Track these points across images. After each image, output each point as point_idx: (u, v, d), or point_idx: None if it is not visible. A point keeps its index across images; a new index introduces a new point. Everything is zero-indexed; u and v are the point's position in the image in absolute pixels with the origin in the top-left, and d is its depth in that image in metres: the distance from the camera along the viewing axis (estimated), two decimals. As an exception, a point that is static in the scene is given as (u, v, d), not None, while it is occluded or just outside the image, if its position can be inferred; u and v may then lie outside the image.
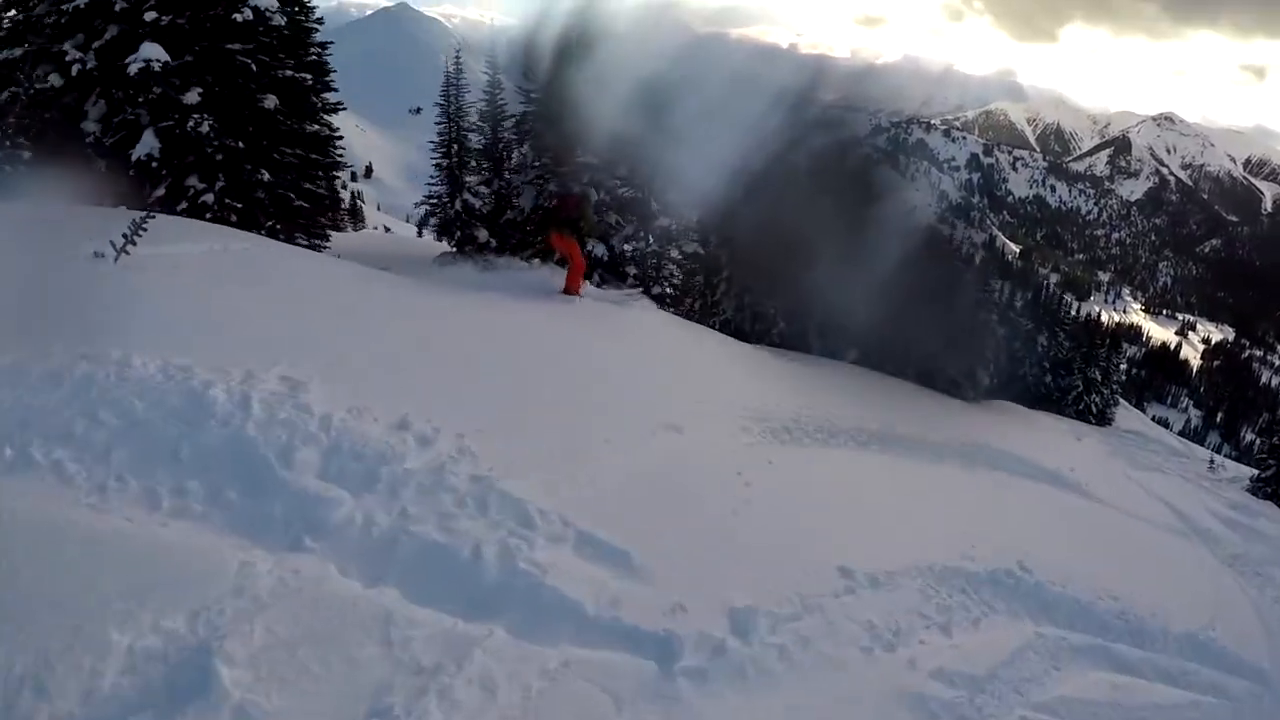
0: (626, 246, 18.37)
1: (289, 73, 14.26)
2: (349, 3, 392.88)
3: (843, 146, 19.02)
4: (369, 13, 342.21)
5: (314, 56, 15.35)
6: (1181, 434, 66.03)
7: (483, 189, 19.89)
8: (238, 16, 13.31)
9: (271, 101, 13.77)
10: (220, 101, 13.46)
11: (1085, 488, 13.19)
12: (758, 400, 10.29)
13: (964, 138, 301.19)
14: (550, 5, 17.51)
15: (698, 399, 9.21)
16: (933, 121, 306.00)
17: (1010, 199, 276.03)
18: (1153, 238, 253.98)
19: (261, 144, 14.17)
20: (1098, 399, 32.62)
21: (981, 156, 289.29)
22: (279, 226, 14.73)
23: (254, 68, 13.57)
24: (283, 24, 14.18)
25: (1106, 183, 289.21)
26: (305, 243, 15.15)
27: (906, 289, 15.92)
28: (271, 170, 14.18)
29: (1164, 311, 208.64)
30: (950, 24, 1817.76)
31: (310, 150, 15.33)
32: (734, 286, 22.44)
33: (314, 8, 15.68)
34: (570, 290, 12.51)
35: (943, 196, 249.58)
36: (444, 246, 20.85)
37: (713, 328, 18.21)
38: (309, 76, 15.04)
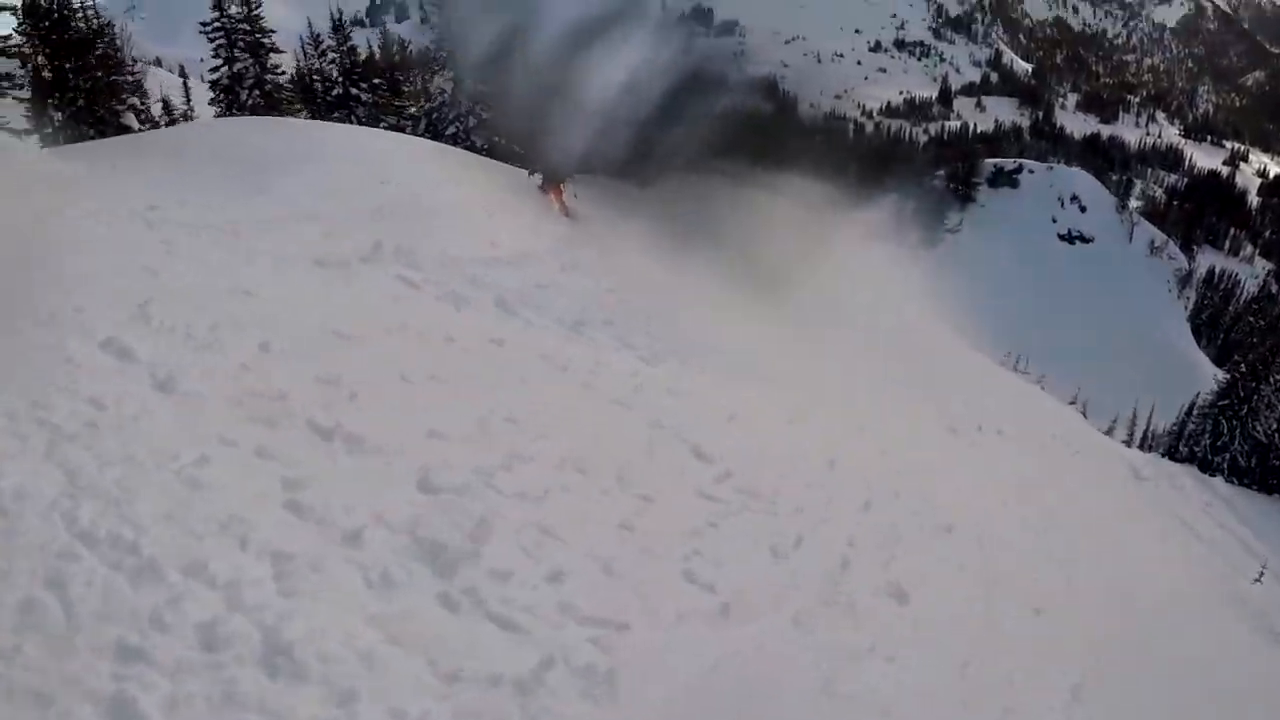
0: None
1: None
2: None
3: None
4: None
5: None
6: (1257, 301, 77.15)
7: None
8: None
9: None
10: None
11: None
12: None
13: None
14: None
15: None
16: None
17: (1027, 20, 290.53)
18: (1189, 64, 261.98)
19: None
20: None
21: None
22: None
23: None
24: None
25: (1136, 6, 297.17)
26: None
27: None
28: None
29: (1208, 138, 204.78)
30: None
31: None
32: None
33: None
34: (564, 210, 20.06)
35: (940, 10, 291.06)
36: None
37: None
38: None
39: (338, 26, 34.56)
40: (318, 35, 35.09)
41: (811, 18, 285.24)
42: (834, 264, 24.72)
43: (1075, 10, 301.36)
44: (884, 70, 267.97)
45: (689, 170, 21.06)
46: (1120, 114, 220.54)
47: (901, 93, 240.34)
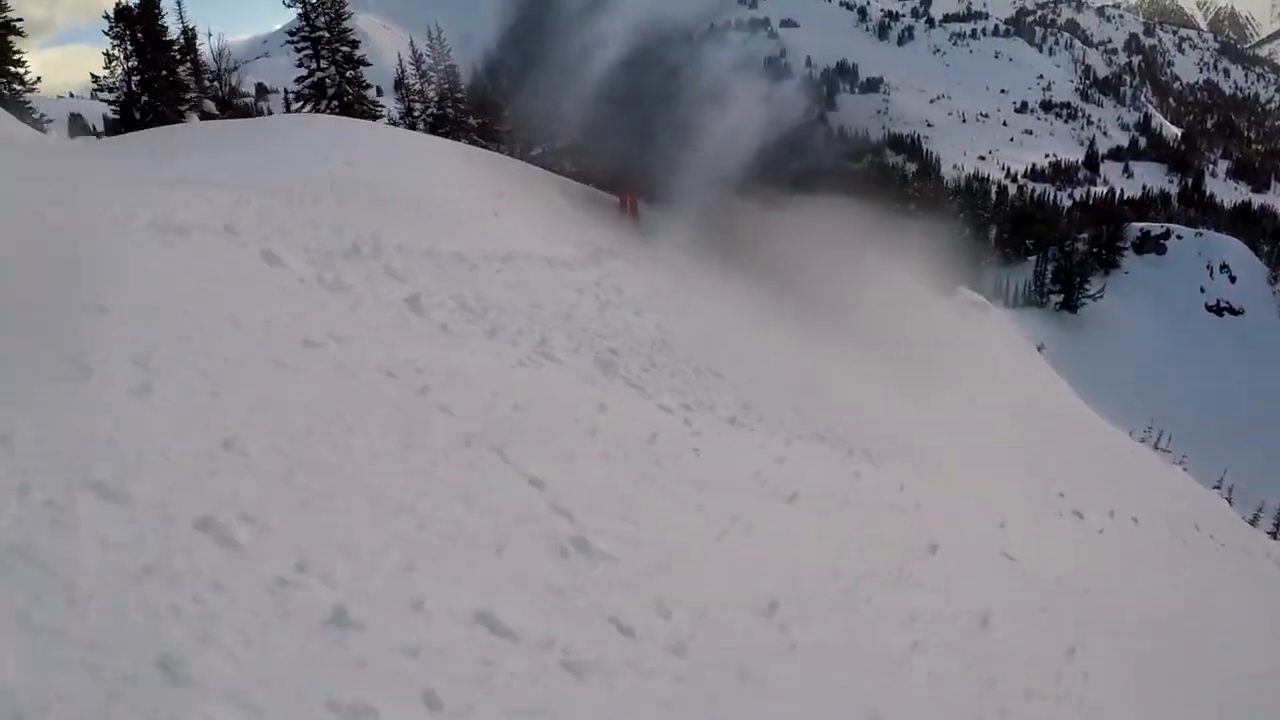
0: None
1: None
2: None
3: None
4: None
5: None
6: None
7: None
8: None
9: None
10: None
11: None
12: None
13: (1120, 17, 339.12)
14: None
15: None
16: (1085, 2, 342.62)
17: (1176, 84, 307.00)
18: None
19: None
20: None
21: (1142, 37, 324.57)
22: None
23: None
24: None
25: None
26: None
27: None
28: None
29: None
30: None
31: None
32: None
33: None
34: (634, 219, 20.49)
35: (1088, 71, 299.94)
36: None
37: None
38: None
39: (437, 51, 35.71)
40: (419, 55, 35.87)
41: (957, 77, 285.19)
42: (966, 328, 23.60)
43: (1226, 73, 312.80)
44: (1030, 132, 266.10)
45: (818, 224, 19.62)
46: (1272, 183, 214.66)
47: (1047, 155, 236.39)
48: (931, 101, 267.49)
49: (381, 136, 20.88)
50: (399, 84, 35.24)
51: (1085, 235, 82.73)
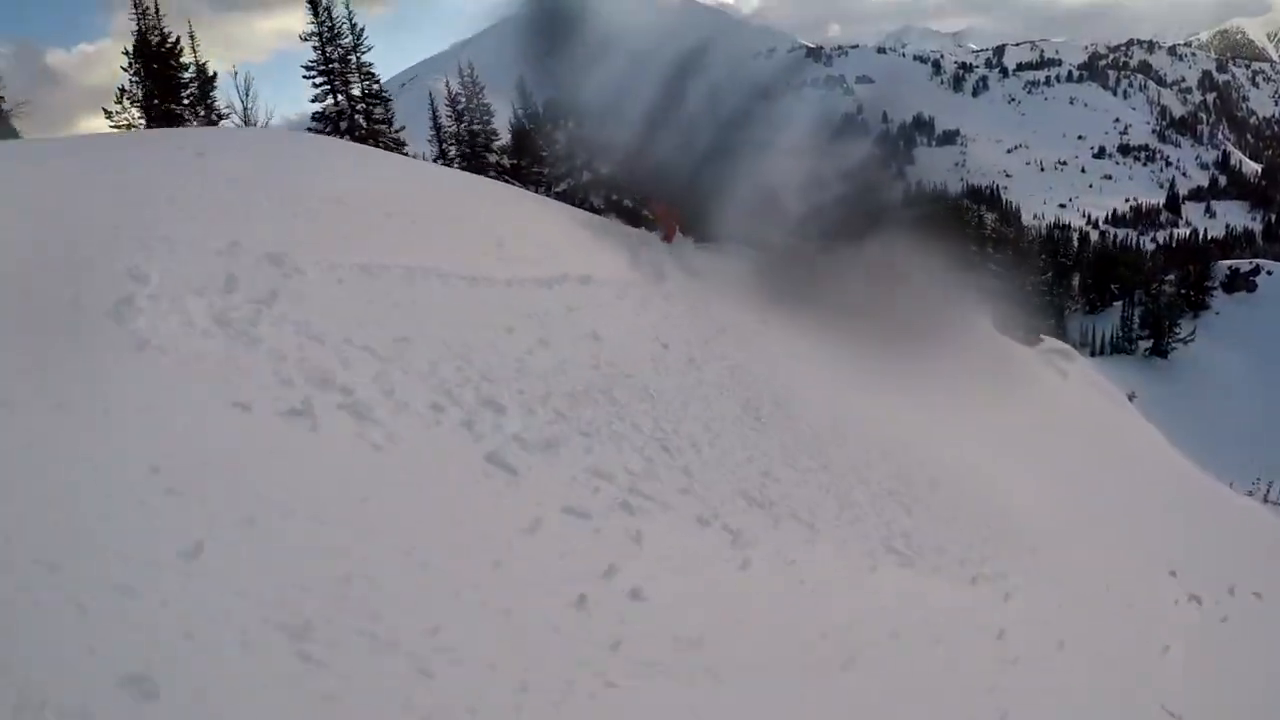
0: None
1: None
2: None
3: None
4: None
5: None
6: None
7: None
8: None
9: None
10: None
11: None
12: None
13: (1193, 55, 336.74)
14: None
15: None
16: (1158, 42, 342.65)
17: (1253, 119, 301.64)
18: None
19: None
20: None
21: (1215, 74, 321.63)
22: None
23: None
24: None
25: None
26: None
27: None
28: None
29: None
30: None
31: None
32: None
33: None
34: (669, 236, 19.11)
35: (1163, 112, 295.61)
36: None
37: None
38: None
39: (470, 88, 34.37)
40: (456, 97, 34.29)
41: (1033, 125, 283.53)
42: (1054, 380, 22.28)
43: None
44: (1109, 177, 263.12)
45: (893, 273, 19.10)
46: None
47: (1127, 200, 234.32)
48: (1009, 151, 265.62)
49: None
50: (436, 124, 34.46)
51: (1171, 277, 79.21)
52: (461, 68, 34.23)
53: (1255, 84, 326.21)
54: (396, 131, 31.51)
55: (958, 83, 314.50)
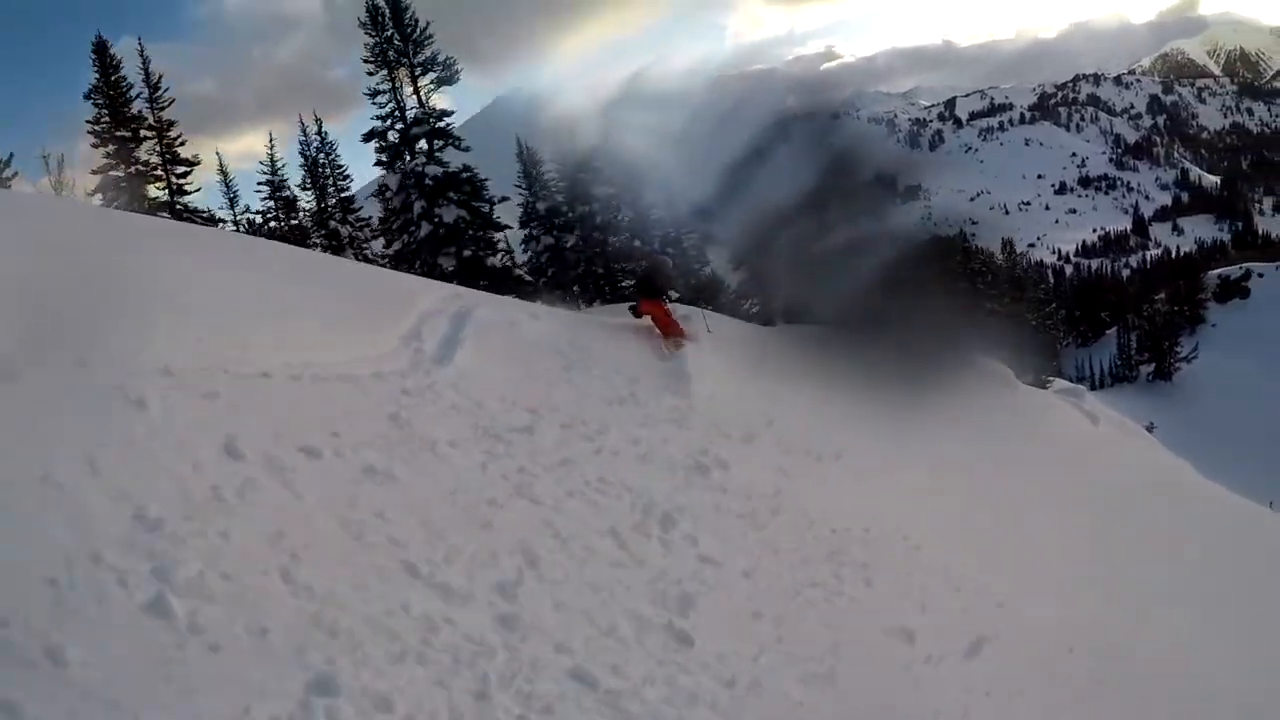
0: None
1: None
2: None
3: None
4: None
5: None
6: None
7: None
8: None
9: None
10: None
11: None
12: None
13: (1138, 82, 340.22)
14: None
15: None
16: (1102, 74, 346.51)
17: (1205, 134, 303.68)
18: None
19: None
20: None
21: (1162, 96, 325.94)
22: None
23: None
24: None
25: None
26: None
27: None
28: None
29: None
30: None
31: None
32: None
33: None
34: (677, 340, 15.63)
35: (1118, 140, 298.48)
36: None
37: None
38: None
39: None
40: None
41: (993, 171, 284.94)
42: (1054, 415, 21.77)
43: (1250, 113, 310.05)
44: (1074, 211, 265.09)
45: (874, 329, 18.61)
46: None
47: (1095, 230, 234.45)
48: (971, 200, 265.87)
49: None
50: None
51: (1162, 295, 77.45)
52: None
53: (1202, 100, 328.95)
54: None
55: (914, 139, 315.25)
